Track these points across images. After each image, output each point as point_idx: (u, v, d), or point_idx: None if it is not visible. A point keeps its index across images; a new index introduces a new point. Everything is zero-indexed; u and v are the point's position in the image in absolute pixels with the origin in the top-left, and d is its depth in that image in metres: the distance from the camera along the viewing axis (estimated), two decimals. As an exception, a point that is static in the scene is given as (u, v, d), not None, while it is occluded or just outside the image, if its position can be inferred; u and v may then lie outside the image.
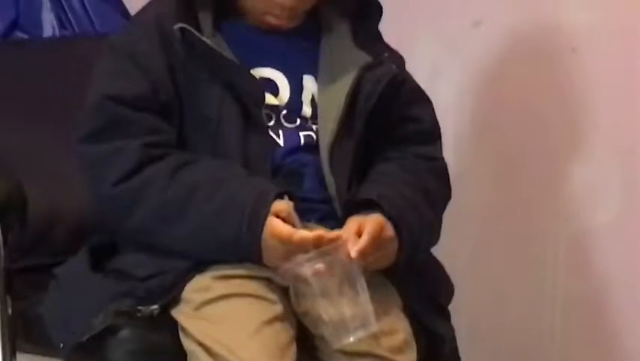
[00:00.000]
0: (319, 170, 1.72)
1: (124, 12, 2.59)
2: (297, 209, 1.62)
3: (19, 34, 2.51)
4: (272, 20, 1.72)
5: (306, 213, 1.67)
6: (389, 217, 1.65)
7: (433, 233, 1.76)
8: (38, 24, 2.52)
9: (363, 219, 1.64)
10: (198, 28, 1.67)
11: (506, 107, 2.39)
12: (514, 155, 2.38)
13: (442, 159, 1.83)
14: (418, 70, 1.88)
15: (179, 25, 1.65)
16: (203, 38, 1.66)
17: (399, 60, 1.80)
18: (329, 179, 1.71)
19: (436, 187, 1.79)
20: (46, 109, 2.27)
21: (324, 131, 1.71)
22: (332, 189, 1.71)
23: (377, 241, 1.62)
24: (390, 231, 1.64)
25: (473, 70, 2.40)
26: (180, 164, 1.64)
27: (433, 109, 1.84)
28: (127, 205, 1.65)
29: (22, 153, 2.11)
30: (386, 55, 1.76)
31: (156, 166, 1.64)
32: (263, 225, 1.58)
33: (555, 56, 2.28)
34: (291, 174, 1.70)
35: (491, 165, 2.43)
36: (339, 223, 1.68)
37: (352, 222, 1.64)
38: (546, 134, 2.32)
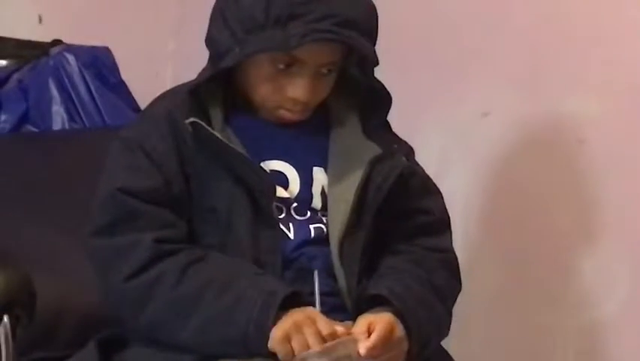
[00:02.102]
0: (329, 262, 1.70)
1: (133, 105, 2.62)
2: (305, 305, 1.61)
3: (29, 127, 2.54)
4: (285, 114, 1.71)
5: (314, 305, 1.64)
6: (399, 315, 1.63)
7: (443, 328, 1.74)
8: (48, 117, 2.55)
9: (374, 317, 1.61)
10: (209, 123, 1.67)
11: (514, 198, 2.38)
12: (522, 246, 2.35)
13: (452, 250, 1.81)
14: (426, 160, 1.87)
15: (191, 119, 1.65)
16: (214, 132, 1.65)
17: (408, 151, 1.79)
18: (339, 272, 1.69)
19: (446, 280, 1.77)
20: (56, 202, 2.27)
21: (335, 224, 1.70)
22: (342, 282, 1.69)
23: (387, 341, 1.59)
24: (400, 331, 1.62)
25: (481, 160, 2.40)
26: (191, 261, 1.62)
27: (442, 200, 1.83)
28: (137, 301, 1.63)
29: (30, 246, 2.10)
30: (396, 146, 1.76)
31: (167, 263, 1.62)
32: (271, 323, 1.56)
33: (562, 147, 2.28)
34: (301, 270, 1.68)
35: (499, 255, 2.42)
36: (348, 316, 1.66)
37: (363, 321, 1.62)
38: (554, 225, 2.31)
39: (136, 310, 1.64)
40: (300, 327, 1.56)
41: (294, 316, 1.58)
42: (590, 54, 2.23)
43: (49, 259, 2.10)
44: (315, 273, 1.64)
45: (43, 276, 1.93)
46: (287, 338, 1.56)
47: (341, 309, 1.68)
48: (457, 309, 1.80)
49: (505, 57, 2.36)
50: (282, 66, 1.66)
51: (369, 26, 1.66)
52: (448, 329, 1.76)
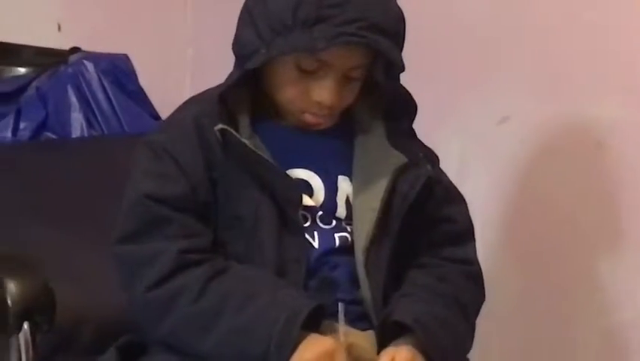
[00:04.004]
0: (353, 271, 1.68)
1: (152, 112, 2.64)
2: (328, 316, 1.60)
3: (49, 135, 2.56)
4: (310, 119, 1.69)
5: (338, 314, 1.62)
6: (422, 345, 1.61)
7: (466, 346, 1.73)
8: (67, 125, 2.58)
9: (395, 351, 1.60)
10: (236, 129, 1.65)
11: (534, 203, 2.37)
12: (544, 251, 2.34)
13: (477, 261, 1.79)
14: (446, 165, 1.85)
15: (220, 126, 1.63)
16: (243, 140, 1.63)
17: (433, 158, 1.77)
18: (363, 281, 1.67)
19: (471, 296, 1.75)
20: (75, 210, 2.28)
21: (360, 234, 1.67)
22: (366, 292, 1.67)
23: None
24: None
25: (501, 166, 2.39)
26: (213, 274, 1.60)
27: (466, 208, 1.81)
28: (158, 311, 1.61)
29: (50, 254, 2.09)
30: (421, 155, 1.74)
31: (190, 274, 1.60)
32: (293, 343, 1.54)
33: (582, 152, 2.27)
34: (324, 279, 1.66)
35: (519, 261, 2.40)
36: (371, 325, 1.65)
37: (385, 356, 1.59)
38: (575, 230, 2.29)
39: (156, 320, 1.62)
40: None
41: (315, 348, 1.55)
42: (610, 58, 2.21)
43: (69, 266, 2.09)
44: (341, 306, 1.61)
45: (63, 283, 1.96)
46: None
47: (364, 318, 1.67)
48: (478, 318, 1.79)
49: (525, 62, 2.35)
50: (308, 69, 1.64)
51: (396, 32, 1.64)
52: (472, 343, 1.74)
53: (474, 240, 1.80)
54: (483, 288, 1.78)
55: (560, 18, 2.27)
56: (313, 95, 1.66)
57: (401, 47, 1.66)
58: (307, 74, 1.64)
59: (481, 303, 1.78)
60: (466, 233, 1.79)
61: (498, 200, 2.38)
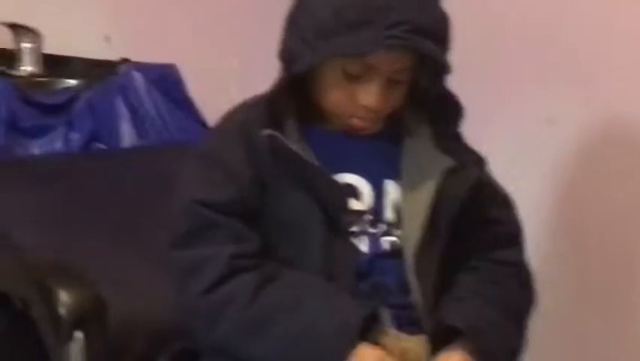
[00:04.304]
0: (402, 276, 1.67)
1: (200, 121, 2.66)
2: (379, 322, 1.61)
3: (99, 145, 2.60)
4: (357, 123, 1.69)
5: (388, 320, 1.63)
6: (474, 351, 1.61)
7: (518, 350, 1.72)
8: (116, 135, 2.62)
9: (448, 356, 1.61)
10: (284, 135, 1.65)
11: (584, 204, 2.35)
12: (596, 252, 2.32)
13: (526, 263, 1.78)
14: (494, 169, 1.84)
15: (268, 132, 1.64)
16: (290, 145, 1.64)
17: (480, 161, 1.76)
18: (414, 285, 1.66)
19: (522, 299, 1.75)
20: (125, 218, 2.31)
21: (409, 238, 1.67)
22: (417, 295, 1.66)
23: None
24: None
25: (550, 167, 2.37)
26: (264, 280, 1.61)
27: (515, 210, 1.80)
28: (209, 317, 1.62)
29: (101, 263, 2.11)
30: (469, 157, 1.73)
31: (241, 280, 1.61)
32: (345, 357, 1.55)
33: (632, 153, 2.25)
34: (374, 284, 1.66)
35: (571, 265, 2.38)
36: (421, 330, 1.64)
37: None
38: (625, 234, 2.27)
39: (207, 326, 1.63)
40: None
41: (367, 358, 1.56)
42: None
43: (119, 275, 2.10)
44: (387, 313, 1.62)
45: (114, 292, 1.96)
46: None
47: (414, 322, 1.66)
48: (531, 322, 1.78)
49: (571, 63, 2.33)
50: (353, 73, 1.64)
51: (441, 34, 1.63)
52: (524, 347, 1.74)
53: (523, 242, 1.79)
54: (534, 291, 1.77)
55: (607, 18, 2.26)
56: (359, 99, 1.65)
57: (447, 49, 1.65)
58: (353, 78, 1.64)
59: (533, 306, 1.77)
60: (515, 235, 1.78)
61: (547, 201, 2.36)
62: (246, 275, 1.61)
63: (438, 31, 1.62)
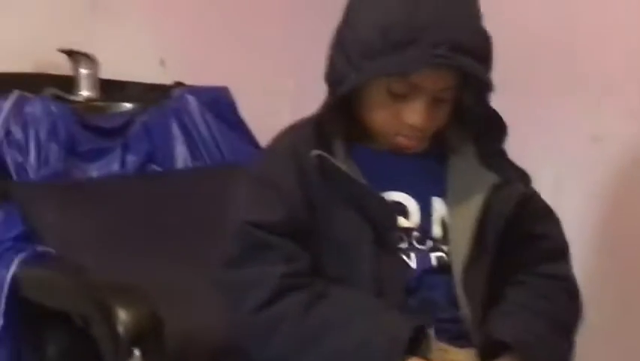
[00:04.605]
0: (450, 290, 1.68)
1: (253, 142, 2.67)
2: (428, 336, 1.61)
3: (154, 167, 2.61)
4: (403, 142, 1.70)
5: (437, 333, 1.64)
6: None
7: None
8: (171, 156, 2.64)
9: None
10: (332, 155, 1.67)
11: (629, 221, 2.34)
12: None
13: (573, 277, 1.78)
14: (540, 185, 1.83)
15: (316, 152, 1.65)
16: (338, 164, 1.65)
17: (524, 178, 1.77)
18: (462, 300, 1.67)
19: (570, 313, 1.75)
20: (180, 238, 2.33)
21: (457, 253, 1.68)
22: (465, 310, 1.67)
23: None
24: None
25: (594, 185, 2.36)
26: (314, 297, 1.62)
27: (560, 226, 1.80)
28: (262, 334, 1.63)
29: (157, 282, 2.13)
30: (513, 174, 1.74)
31: (292, 297, 1.62)
32: None
33: None
34: (423, 301, 1.67)
35: (617, 282, 2.37)
36: (470, 343, 1.65)
37: None
38: None
39: (259, 344, 1.64)
40: None
41: None
42: None
43: (176, 293, 2.13)
44: (431, 330, 1.63)
45: (171, 310, 1.98)
46: None
47: (463, 336, 1.66)
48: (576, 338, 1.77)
49: (616, 81, 2.32)
50: (398, 93, 1.65)
51: (484, 53, 1.64)
52: (571, 360, 1.74)
53: (570, 256, 1.79)
54: (581, 305, 1.77)
55: None
56: (405, 118, 1.66)
57: (489, 68, 1.66)
58: (398, 97, 1.65)
59: (580, 320, 1.76)
60: (561, 250, 1.78)
61: (593, 218, 2.35)
62: (296, 293, 1.62)
63: (480, 50, 1.63)
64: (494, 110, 1.71)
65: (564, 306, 1.74)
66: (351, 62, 1.63)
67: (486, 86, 1.65)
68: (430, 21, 1.59)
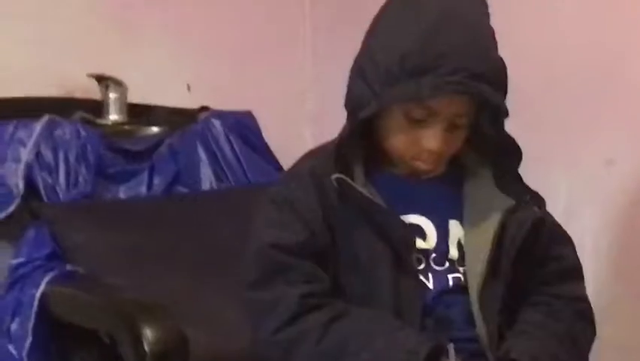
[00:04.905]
0: (467, 310, 1.69)
1: (276, 165, 2.68)
2: (445, 354, 1.62)
3: (180, 188, 2.64)
4: (420, 165, 1.71)
5: (457, 351, 1.64)
6: None
7: None
8: (197, 178, 2.66)
9: None
10: (351, 178, 1.68)
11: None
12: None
13: (587, 298, 1.79)
14: (553, 207, 1.84)
15: (336, 176, 1.67)
16: (358, 187, 1.67)
17: (539, 201, 1.77)
18: (478, 320, 1.68)
19: (584, 333, 1.75)
20: (205, 258, 2.35)
21: (473, 274, 1.69)
22: (481, 329, 1.68)
23: None
24: None
25: (608, 208, 2.35)
26: (333, 317, 1.63)
27: (574, 248, 1.81)
28: (282, 354, 1.64)
29: (182, 300, 2.16)
30: (528, 197, 1.75)
31: (312, 317, 1.64)
32: None
33: None
34: (440, 319, 1.68)
35: (631, 303, 2.36)
36: None
37: None
38: None
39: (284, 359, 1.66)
40: None
41: None
42: None
43: (201, 312, 2.15)
44: (451, 346, 1.63)
45: (196, 328, 2.01)
46: None
47: (480, 355, 1.68)
48: (590, 357, 1.77)
49: (628, 104, 2.32)
50: (416, 118, 1.67)
51: (498, 80, 1.66)
52: None
53: (583, 278, 1.80)
54: (594, 325, 1.78)
55: None
56: (422, 143, 1.68)
57: (504, 94, 1.68)
58: (415, 122, 1.67)
59: (593, 339, 1.78)
60: (574, 271, 1.80)
61: (606, 240, 2.34)
62: (316, 313, 1.64)
63: (495, 77, 1.65)
64: (509, 135, 1.73)
65: (577, 326, 1.75)
66: (371, 88, 1.65)
67: (501, 113, 1.68)
68: (447, 49, 1.61)
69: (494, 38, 1.68)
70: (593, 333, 1.78)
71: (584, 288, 1.80)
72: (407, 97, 1.64)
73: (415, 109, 1.66)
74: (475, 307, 1.69)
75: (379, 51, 1.66)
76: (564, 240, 1.81)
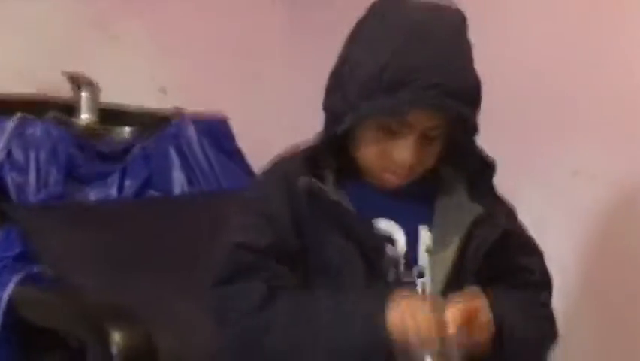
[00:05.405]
0: None
1: (247, 169, 2.69)
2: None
3: (152, 192, 2.63)
4: (389, 178, 1.72)
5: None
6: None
7: (531, 341, 1.73)
8: (169, 182, 2.65)
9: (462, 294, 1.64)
10: (322, 183, 1.69)
11: (611, 254, 2.34)
12: (621, 301, 2.30)
13: (551, 307, 1.80)
14: (522, 220, 1.85)
15: (305, 179, 1.67)
16: (325, 188, 1.68)
17: (510, 212, 1.80)
18: None
19: (546, 326, 1.77)
20: (176, 261, 2.34)
21: (435, 283, 1.70)
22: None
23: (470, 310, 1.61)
24: (483, 302, 1.64)
25: (575, 219, 2.37)
26: (301, 291, 1.67)
27: (543, 260, 1.82)
28: (250, 341, 1.65)
29: (154, 303, 2.16)
30: (499, 208, 1.77)
31: (281, 295, 1.66)
32: (384, 310, 1.60)
33: None
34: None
35: (597, 314, 2.37)
36: None
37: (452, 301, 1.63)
38: None
39: (255, 347, 1.66)
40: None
41: (402, 297, 1.61)
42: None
43: (169, 315, 2.15)
44: (420, 281, 1.67)
45: (163, 332, 2.01)
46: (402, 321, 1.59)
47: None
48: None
49: (599, 117, 2.34)
50: (389, 130, 1.67)
51: (473, 96, 1.67)
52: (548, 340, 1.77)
53: (550, 290, 1.81)
54: (556, 327, 1.79)
55: (636, 74, 2.27)
56: (394, 155, 1.68)
57: (477, 110, 1.69)
58: (389, 134, 1.67)
59: (555, 338, 1.79)
60: (542, 283, 1.80)
61: (576, 251, 2.37)
62: (285, 290, 1.66)
63: (469, 93, 1.66)
64: (480, 149, 1.74)
65: (542, 319, 1.77)
66: (347, 101, 1.66)
67: (472, 128, 1.68)
68: (422, 64, 1.62)
69: (470, 53, 1.69)
70: (555, 335, 1.79)
71: (550, 299, 1.81)
72: (385, 111, 1.65)
73: (388, 122, 1.67)
74: None
75: (356, 64, 1.67)
76: (532, 252, 1.82)
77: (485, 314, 1.63)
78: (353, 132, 1.71)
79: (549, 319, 1.78)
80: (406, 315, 1.59)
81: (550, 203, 2.38)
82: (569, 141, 2.39)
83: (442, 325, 1.58)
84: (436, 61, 1.63)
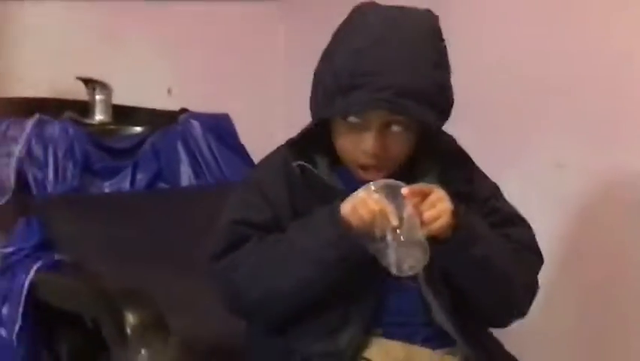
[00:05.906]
0: (421, 296, 1.73)
1: (249, 162, 2.71)
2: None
3: (162, 184, 2.67)
4: (360, 173, 1.75)
5: (410, 336, 1.72)
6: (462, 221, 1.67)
7: (497, 263, 1.72)
8: (177, 175, 2.69)
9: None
10: (316, 168, 1.75)
11: (592, 245, 2.33)
12: (602, 292, 2.29)
13: (534, 265, 1.81)
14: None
15: (299, 162, 1.73)
16: (316, 171, 1.73)
17: (491, 188, 1.83)
18: (432, 302, 1.72)
19: (527, 258, 1.80)
20: (184, 248, 2.37)
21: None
22: (437, 313, 1.72)
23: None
24: (442, 191, 1.66)
25: (559, 211, 2.35)
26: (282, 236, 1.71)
27: (529, 230, 1.83)
28: (249, 276, 1.71)
29: (165, 288, 2.20)
30: (482, 185, 1.80)
31: (260, 240, 1.72)
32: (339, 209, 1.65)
33: (635, 202, 2.22)
34: (395, 308, 1.73)
35: (579, 303, 2.36)
36: (443, 343, 1.73)
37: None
38: (635, 273, 2.24)
39: (246, 283, 1.71)
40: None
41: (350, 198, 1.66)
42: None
43: (180, 299, 2.19)
44: (370, 184, 1.67)
45: (172, 314, 2.06)
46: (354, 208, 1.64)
47: (436, 337, 1.73)
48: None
49: (582, 109, 2.32)
50: (352, 122, 1.71)
51: (428, 96, 1.67)
52: (511, 278, 1.75)
53: (537, 255, 1.83)
54: (533, 280, 1.81)
55: (619, 67, 2.24)
56: (360, 145, 1.72)
57: (436, 108, 1.69)
58: (353, 127, 1.72)
59: (539, 263, 1.82)
60: (528, 247, 1.82)
61: (558, 243, 2.33)
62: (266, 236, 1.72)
63: (425, 93, 1.67)
64: (448, 143, 1.79)
65: (516, 258, 1.77)
66: (317, 101, 1.73)
67: (432, 126, 1.71)
68: (375, 68, 1.65)
69: (436, 54, 1.70)
70: (540, 259, 1.83)
71: (536, 261, 1.83)
72: (338, 113, 1.71)
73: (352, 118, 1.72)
74: (425, 290, 1.74)
75: (324, 68, 1.72)
76: (516, 224, 1.84)
77: (443, 200, 1.64)
78: (332, 125, 1.76)
79: (526, 264, 1.79)
80: (356, 202, 1.63)
81: (533, 195, 2.35)
82: (552, 133, 2.38)
83: (397, 205, 1.61)
84: (389, 65, 1.65)
